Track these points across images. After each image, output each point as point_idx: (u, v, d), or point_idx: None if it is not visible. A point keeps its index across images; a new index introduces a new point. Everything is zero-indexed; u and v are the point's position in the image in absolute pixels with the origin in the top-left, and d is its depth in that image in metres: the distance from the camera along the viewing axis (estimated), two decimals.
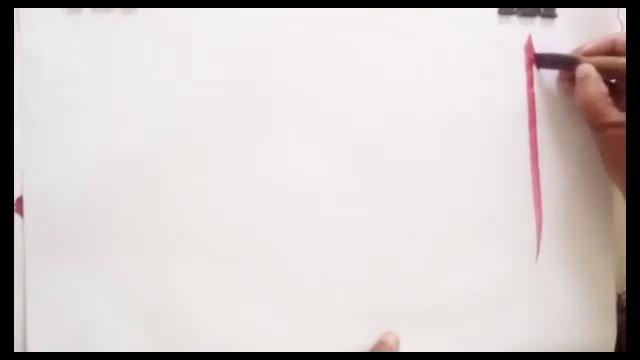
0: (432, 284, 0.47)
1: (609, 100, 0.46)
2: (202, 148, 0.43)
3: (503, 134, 0.49)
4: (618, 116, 0.46)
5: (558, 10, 0.51)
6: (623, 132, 0.45)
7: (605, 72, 0.47)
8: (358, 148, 0.46)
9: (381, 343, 0.45)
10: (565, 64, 0.49)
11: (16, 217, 0.40)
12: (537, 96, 0.50)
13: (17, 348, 0.40)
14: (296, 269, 0.45)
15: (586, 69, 0.47)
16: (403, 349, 0.46)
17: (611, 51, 0.48)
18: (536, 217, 0.50)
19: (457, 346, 0.47)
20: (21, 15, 0.40)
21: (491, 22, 0.50)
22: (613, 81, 0.48)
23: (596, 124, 0.47)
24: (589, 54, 0.48)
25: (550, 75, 0.51)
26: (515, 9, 0.50)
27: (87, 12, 0.41)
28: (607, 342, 0.51)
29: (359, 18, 0.46)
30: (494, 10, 0.50)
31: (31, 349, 0.40)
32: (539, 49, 0.50)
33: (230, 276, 0.43)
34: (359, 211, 0.46)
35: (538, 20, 0.51)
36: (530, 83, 0.50)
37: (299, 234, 0.45)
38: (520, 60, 0.50)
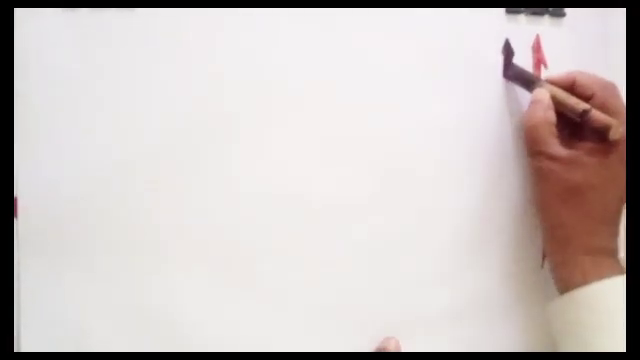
0: (434, 289, 0.47)
1: (553, 130, 0.46)
2: (200, 149, 0.43)
3: (510, 135, 0.49)
4: (557, 149, 0.45)
5: (567, 9, 0.50)
6: (556, 167, 0.45)
7: (557, 104, 0.46)
8: (359, 151, 0.45)
9: (381, 348, 0.45)
10: (526, 82, 0.48)
11: None
12: None
13: (16, 344, 0.40)
14: (296, 272, 0.44)
15: (540, 94, 0.47)
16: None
17: (568, 88, 0.47)
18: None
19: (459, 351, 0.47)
20: (20, 15, 0.40)
21: (498, 21, 0.49)
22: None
23: (533, 150, 0.46)
24: (552, 82, 0.47)
25: None
26: (523, 8, 0.49)
27: (85, 12, 0.41)
28: None
29: (364, 18, 0.45)
30: (501, 9, 0.49)
31: (24, 349, 0.40)
32: (547, 49, 0.50)
33: (228, 278, 0.43)
34: (359, 214, 0.45)
35: (546, 19, 0.50)
36: None
37: (299, 237, 0.44)
38: (528, 60, 0.49)
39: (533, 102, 0.47)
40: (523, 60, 0.49)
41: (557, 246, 0.46)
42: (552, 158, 0.45)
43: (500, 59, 0.49)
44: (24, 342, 0.40)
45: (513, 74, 0.48)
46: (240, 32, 0.43)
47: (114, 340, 0.41)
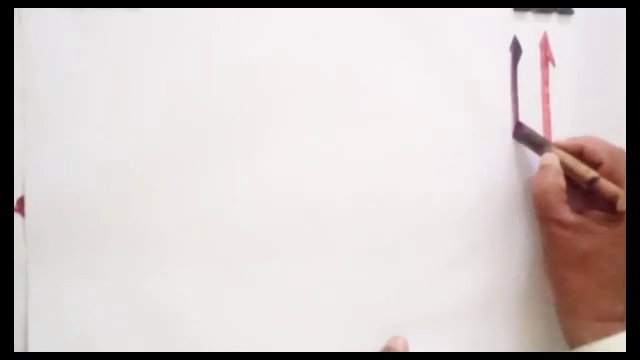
0: (437, 288, 0.47)
1: (563, 196, 0.45)
2: (203, 149, 0.42)
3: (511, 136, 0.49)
4: (566, 216, 0.45)
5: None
6: (566, 233, 0.45)
7: (566, 169, 0.46)
8: (360, 151, 0.45)
9: (389, 348, 0.45)
10: (535, 145, 0.48)
11: (17, 217, 0.39)
12: (552, 96, 0.49)
13: (18, 348, 0.39)
14: (298, 273, 0.44)
15: (550, 158, 0.47)
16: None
17: (577, 154, 0.47)
18: None
19: (465, 350, 0.47)
20: (22, 13, 0.39)
21: (506, 18, 0.49)
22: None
23: (543, 216, 0.46)
24: (561, 147, 0.47)
25: (566, 74, 0.50)
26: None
27: (89, 11, 0.40)
28: None
29: (371, 18, 0.45)
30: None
31: (32, 349, 0.39)
32: (555, 46, 0.49)
33: (230, 279, 0.42)
34: (361, 214, 0.45)
35: (554, 17, 0.50)
36: (545, 82, 0.49)
37: (300, 237, 0.44)
38: (535, 58, 0.49)
39: (543, 167, 0.47)
40: (531, 58, 0.49)
41: (566, 312, 0.46)
42: (562, 224, 0.45)
43: (508, 56, 0.48)
44: (32, 341, 0.40)
45: (522, 136, 0.48)
46: (245, 33, 0.43)
47: (120, 339, 0.41)
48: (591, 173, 0.46)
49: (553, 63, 0.50)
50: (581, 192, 0.47)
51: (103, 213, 0.41)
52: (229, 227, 0.43)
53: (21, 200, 0.39)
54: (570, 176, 0.46)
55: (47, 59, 0.40)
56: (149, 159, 0.41)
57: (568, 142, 0.48)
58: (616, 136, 0.49)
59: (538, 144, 0.48)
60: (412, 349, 0.45)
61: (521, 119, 0.48)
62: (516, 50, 0.48)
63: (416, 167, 0.46)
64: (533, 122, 0.49)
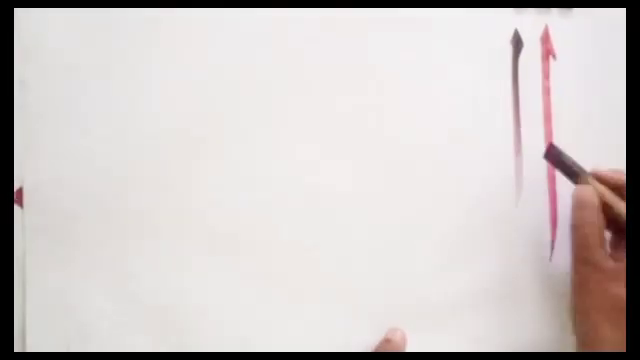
0: (440, 282, 0.46)
1: (602, 237, 0.44)
2: (207, 143, 0.42)
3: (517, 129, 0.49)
4: (604, 260, 0.43)
5: None
6: (602, 278, 0.43)
7: (604, 205, 0.44)
8: (364, 145, 0.45)
9: (387, 340, 0.44)
10: (569, 172, 0.46)
11: (16, 208, 0.39)
12: (553, 89, 0.49)
13: (16, 343, 0.39)
14: (299, 267, 0.44)
15: (589, 193, 0.44)
16: (409, 348, 0.45)
17: (617, 188, 0.45)
18: (551, 214, 0.49)
19: (465, 346, 0.47)
20: (22, 8, 0.39)
21: (507, 12, 0.48)
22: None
23: (580, 256, 0.44)
24: (599, 179, 0.45)
25: (567, 67, 0.49)
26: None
27: (88, 9, 0.40)
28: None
29: (375, 17, 0.45)
30: None
31: (30, 344, 0.39)
32: (556, 40, 0.49)
33: (232, 275, 0.42)
34: (364, 209, 0.45)
35: (555, 10, 0.50)
36: (546, 75, 0.49)
37: (302, 232, 0.44)
38: (536, 51, 0.49)
39: (582, 202, 0.44)
40: (532, 51, 0.49)
41: None
42: (599, 269, 0.43)
43: (509, 49, 0.48)
44: (29, 337, 0.40)
45: (555, 160, 0.46)
46: (245, 29, 0.43)
47: (120, 335, 0.41)
48: None
49: (554, 56, 0.49)
50: (616, 228, 0.45)
51: (102, 206, 0.41)
52: (229, 222, 0.42)
53: (20, 191, 0.39)
54: (607, 213, 0.44)
55: (46, 51, 0.40)
56: (148, 152, 0.41)
57: (609, 174, 0.45)
58: (616, 130, 0.49)
59: (574, 172, 0.45)
60: (411, 343, 0.45)
61: (522, 113, 0.48)
62: (517, 43, 0.48)
63: (416, 163, 0.46)
64: (534, 115, 0.49)
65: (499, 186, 0.48)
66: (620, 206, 0.44)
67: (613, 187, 0.45)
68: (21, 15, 0.39)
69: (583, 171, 0.46)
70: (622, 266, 0.43)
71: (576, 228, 0.45)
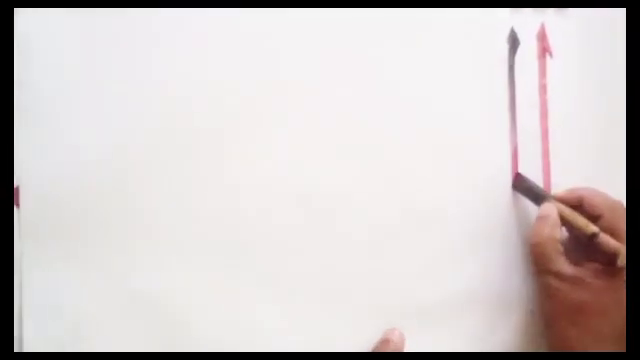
0: (438, 282, 0.46)
1: (559, 247, 0.46)
2: (201, 139, 0.42)
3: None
4: (563, 267, 0.45)
5: None
6: (563, 286, 0.45)
7: (565, 223, 0.46)
8: (362, 144, 0.45)
9: (386, 340, 0.44)
10: (534, 197, 0.48)
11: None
12: (549, 87, 0.49)
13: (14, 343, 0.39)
14: (296, 266, 0.43)
15: (547, 209, 0.47)
16: (407, 348, 0.45)
17: (577, 206, 0.47)
18: None
19: (464, 345, 0.47)
20: (22, 8, 0.39)
21: (503, 10, 0.48)
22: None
23: (539, 268, 0.46)
24: (560, 200, 0.47)
25: (563, 66, 0.50)
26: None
27: (88, 8, 0.40)
28: None
29: (374, 17, 0.45)
30: None
31: (26, 344, 0.39)
32: (552, 37, 0.49)
33: (229, 274, 0.42)
34: (362, 208, 0.45)
35: (551, 8, 0.50)
36: (542, 74, 0.49)
37: (299, 231, 0.43)
38: (533, 49, 0.49)
39: (540, 217, 0.47)
40: (528, 49, 0.49)
41: None
42: (558, 276, 0.45)
43: (506, 48, 0.48)
44: (26, 336, 0.39)
45: (522, 188, 0.48)
46: (245, 29, 0.42)
47: (113, 329, 0.40)
48: (591, 228, 0.45)
49: (550, 54, 0.49)
50: (579, 244, 0.46)
51: (99, 205, 0.40)
52: (227, 219, 0.42)
53: (16, 191, 0.39)
54: (569, 229, 0.46)
55: (44, 50, 0.39)
56: (145, 151, 0.41)
57: (567, 194, 0.47)
58: (614, 128, 0.49)
59: (538, 195, 0.48)
60: (410, 342, 0.45)
61: (518, 110, 0.48)
62: (513, 41, 0.48)
63: (415, 161, 0.46)
64: (530, 115, 0.49)
65: (496, 185, 0.48)
66: (579, 221, 0.46)
67: (572, 204, 0.47)
68: (21, 15, 0.39)
69: (546, 194, 0.48)
70: (582, 273, 0.45)
71: (534, 241, 0.46)
